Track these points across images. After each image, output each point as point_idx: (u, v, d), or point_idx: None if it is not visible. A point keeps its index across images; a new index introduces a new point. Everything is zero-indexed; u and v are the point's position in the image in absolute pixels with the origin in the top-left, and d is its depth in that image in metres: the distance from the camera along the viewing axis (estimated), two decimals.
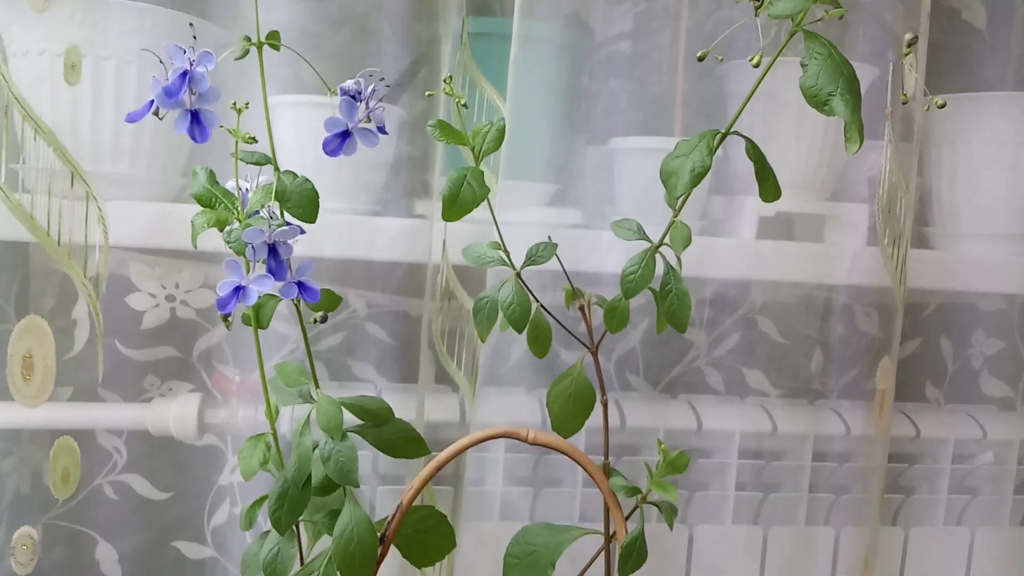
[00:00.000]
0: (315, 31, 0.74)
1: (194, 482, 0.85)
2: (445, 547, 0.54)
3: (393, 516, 0.53)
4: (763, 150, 0.84)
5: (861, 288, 0.83)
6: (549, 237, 0.58)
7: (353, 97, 0.44)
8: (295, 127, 0.73)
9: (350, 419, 0.54)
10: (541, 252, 0.56)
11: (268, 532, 0.54)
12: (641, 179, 0.84)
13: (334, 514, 0.51)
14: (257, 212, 0.48)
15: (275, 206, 0.47)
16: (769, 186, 0.50)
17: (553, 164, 0.84)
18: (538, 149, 0.82)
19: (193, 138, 0.40)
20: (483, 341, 0.60)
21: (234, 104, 0.46)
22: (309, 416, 0.52)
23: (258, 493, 0.60)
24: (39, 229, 0.62)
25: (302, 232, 0.47)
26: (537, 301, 0.57)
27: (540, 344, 0.56)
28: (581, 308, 0.59)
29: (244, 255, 0.45)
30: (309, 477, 0.52)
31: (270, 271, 0.43)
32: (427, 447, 0.56)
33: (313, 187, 0.47)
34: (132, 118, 0.39)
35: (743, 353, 0.91)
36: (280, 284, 0.44)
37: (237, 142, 0.46)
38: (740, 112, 0.50)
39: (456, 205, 0.49)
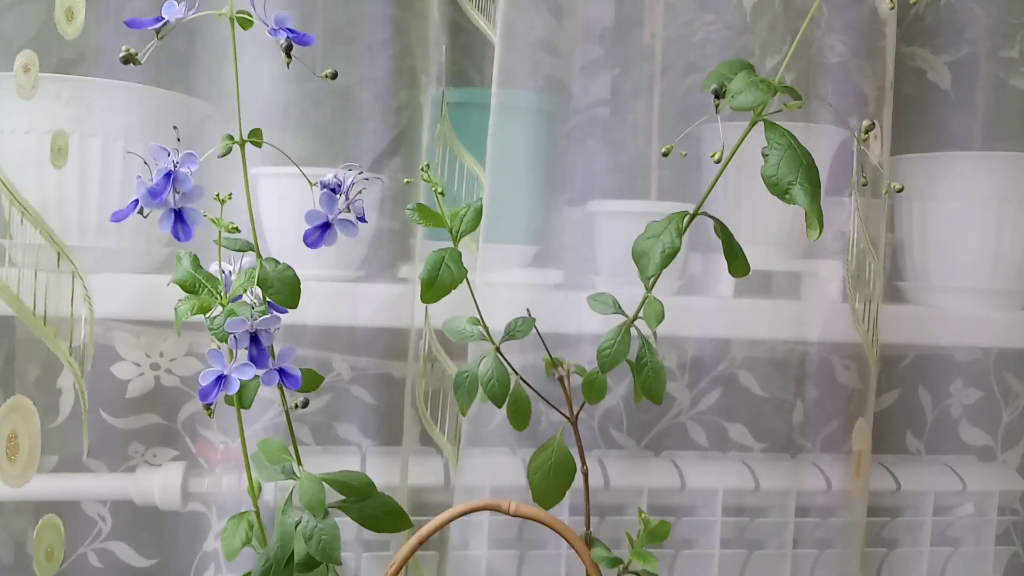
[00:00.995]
0: (298, 105, 0.75)
1: (178, 549, 0.84)
2: None
3: None
4: (737, 210, 0.86)
5: (837, 344, 0.85)
6: (528, 311, 0.59)
7: (333, 190, 0.45)
8: (278, 200, 0.75)
9: (333, 492, 0.55)
10: (520, 327, 0.57)
11: None
12: (620, 241, 0.86)
13: None
14: (240, 297, 0.49)
15: (258, 289, 0.49)
16: (738, 263, 0.52)
17: (534, 226, 0.86)
18: (519, 212, 0.84)
19: (177, 237, 0.41)
20: (464, 415, 0.61)
21: (217, 195, 0.47)
22: (292, 493, 0.53)
23: (242, 564, 0.61)
24: (25, 309, 0.63)
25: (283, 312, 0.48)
26: (516, 374, 0.58)
27: (520, 417, 0.57)
28: (560, 379, 0.60)
29: (226, 341, 0.46)
30: (292, 554, 0.52)
31: (252, 359, 0.44)
32: (409, 520, 0.56)
33: (294, 274, 0.48)
34: (116, 218, 0.41)
35: (725, 408, 0.92)
36: (262, 371, 0.45)
37: (220, 232, 0.47)
38: (709, 191, 0.52)
39: (434, 288, 0.50)
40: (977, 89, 0.94)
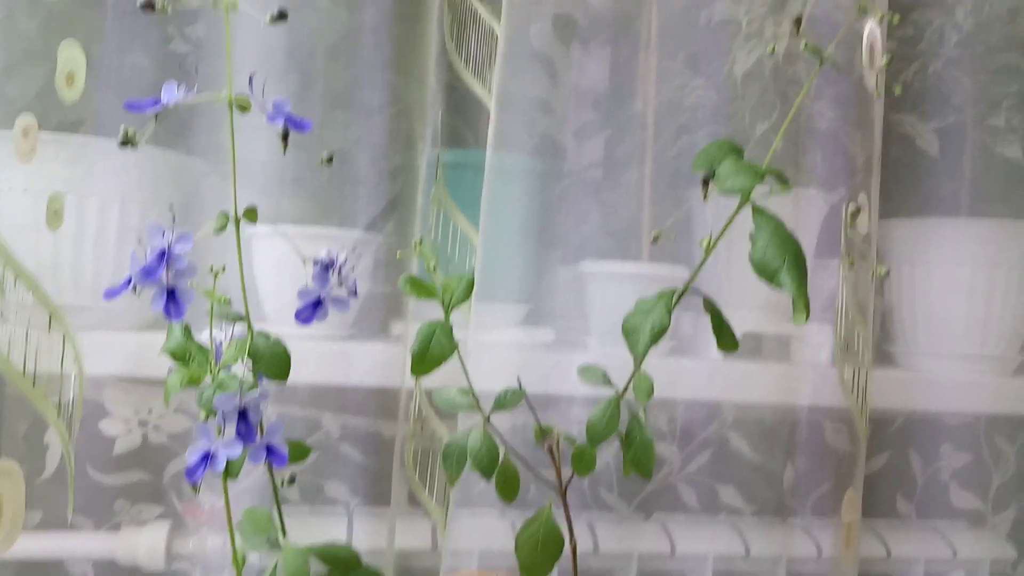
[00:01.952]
0: (295, 169, 0.76)
1: None
2: None
3: None
4: (728, 272, 0.87)
5: (827, 409, 0.85)
6: (519, 380, 0.59)
7: (326, 267, 0.46)
8: (274, 262, 0.75)
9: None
10: (509, 398, 0.57)
11: None
12: (612, 302, 0.86)
13: None
14: (230, 368, 0.49)
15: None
16: (726, 339, 0.52)
17: (526, 285, 0.86)
18: (511, 272, 0.85)
19: (168, 316, 0.41)
20: (452, 486, 0.60)
21: (211, 268, 0.48)
22: (276, 566, 0.52)
23: None
24: (13, 370, 0.63)
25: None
26: (506, 445, 0.58)
27: (508, 490, 0.57)
28: (549, 449, 0.60)
29: (215, 415, 0.46)
30: None
31: (239, 435, 0.44)
32: None
33: (284, 348, 0.48)
34: (109, 295, 0.41)
35: (716, 470, 0.91)
36: (250, 446, 0.45)
37: (212, 304, 0.48)
38: (698, 270, 0.52)
39: (425, 361, 0.51)
40: (965, 156, 0.96)
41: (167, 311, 0.41)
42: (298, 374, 0.77)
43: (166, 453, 0.83)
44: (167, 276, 0.41)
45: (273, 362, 0.47)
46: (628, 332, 0.51)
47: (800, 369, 0.85)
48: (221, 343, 0.51)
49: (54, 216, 0.64)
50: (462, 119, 0.85)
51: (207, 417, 0.47)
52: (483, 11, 0.78)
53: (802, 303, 0.44)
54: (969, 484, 1.00)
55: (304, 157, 0.78)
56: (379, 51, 0.78)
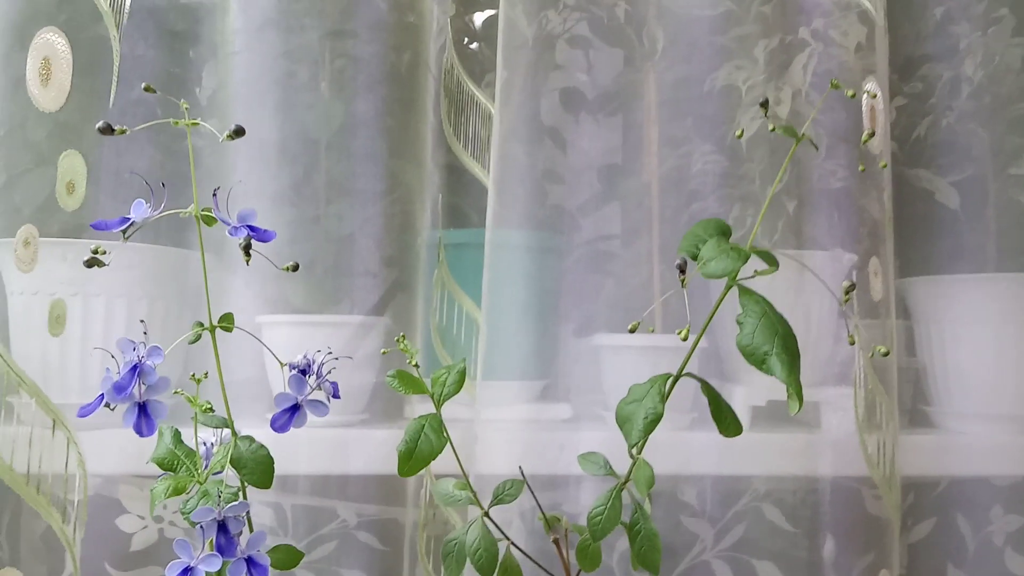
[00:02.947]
0: (299, 256, 0.77)
1: None
2: None
3: None
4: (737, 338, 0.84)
5: (853, 479, 0.81)
6: (521, 470, 0.58)
7: (303, 371, 0.45)
8: (282, 354, 0.75)
9: None
10: (508, 491, 0.55)
11: None
12: (627, 373, 0.84)
13: None
14: (219, 473, 0.48)
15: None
16: (727, 423, 0.50)
17: (538, 361, 0.85)
18: (520, 348, 0.83)
19: (139, 433, 0.41)
20: None
21: (193, 375, 0.48)
22: None
23: None
24: (17, 479, 0.63)
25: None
26: (507, 539, 0.56)
27: None
28: (556, 542, 0.57)
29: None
30: None
31: (219, 548, 0.43)
32: None
33: (268, 453, 0.47)
34: (83, 413, 0.41)
35: (750, 544, 0.87)
36: (230, 560, 0.44)
37: (196, 413, 0.47)
38: (693, 350, 0.51)
39: (412, 461, 0.49)
40: (987, 208, 0.93)
41: (137, 428, 0.40)
42: (307, 464, 0.77)
43: None
44: (139, 391, 0.41)
45: (256, 468, 0.46)
46: (622, 421, 0.49)
47: (829, 435, 0.82)
48: (211, 446, 0.51)
49: (56, 322, 0.65)
50: (463, 197, 0.85)
51: (193, 526, 0.46)
52: (481, 95, 0.78)
53: (794, 391, 0.42)
54: None
55: (309, 248, 0.79)
56: (378, 140, 0.78)
